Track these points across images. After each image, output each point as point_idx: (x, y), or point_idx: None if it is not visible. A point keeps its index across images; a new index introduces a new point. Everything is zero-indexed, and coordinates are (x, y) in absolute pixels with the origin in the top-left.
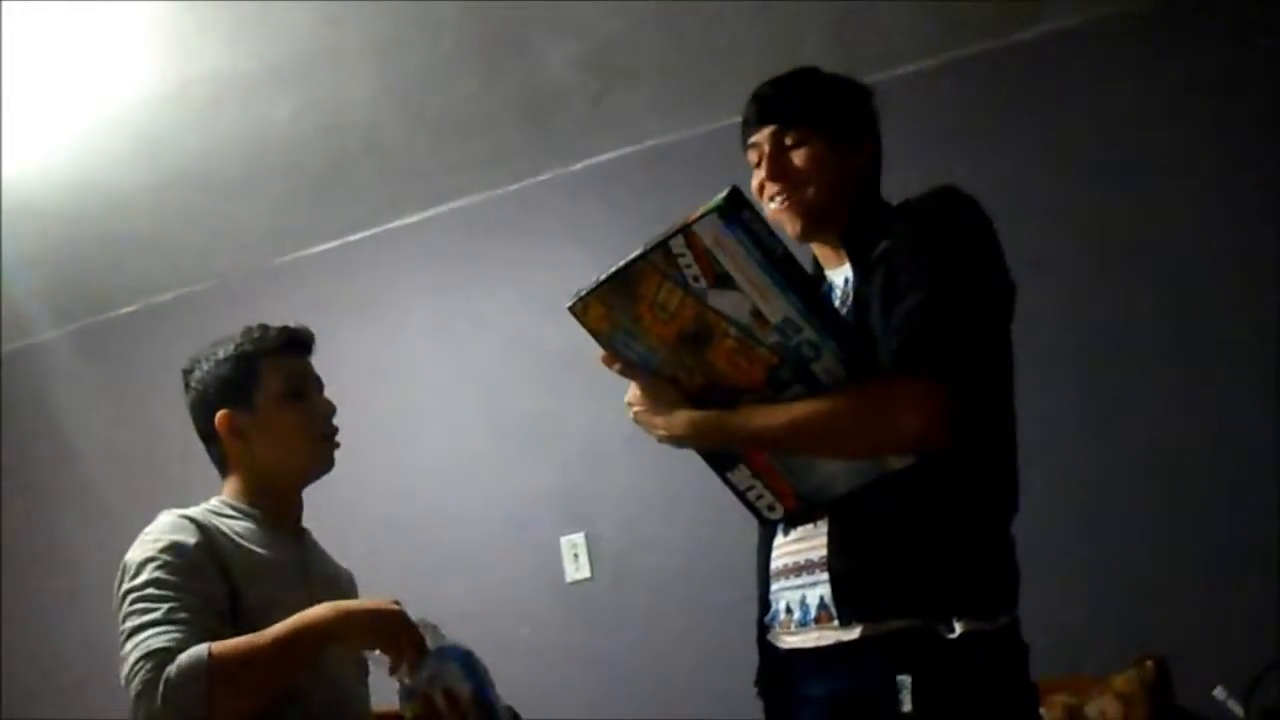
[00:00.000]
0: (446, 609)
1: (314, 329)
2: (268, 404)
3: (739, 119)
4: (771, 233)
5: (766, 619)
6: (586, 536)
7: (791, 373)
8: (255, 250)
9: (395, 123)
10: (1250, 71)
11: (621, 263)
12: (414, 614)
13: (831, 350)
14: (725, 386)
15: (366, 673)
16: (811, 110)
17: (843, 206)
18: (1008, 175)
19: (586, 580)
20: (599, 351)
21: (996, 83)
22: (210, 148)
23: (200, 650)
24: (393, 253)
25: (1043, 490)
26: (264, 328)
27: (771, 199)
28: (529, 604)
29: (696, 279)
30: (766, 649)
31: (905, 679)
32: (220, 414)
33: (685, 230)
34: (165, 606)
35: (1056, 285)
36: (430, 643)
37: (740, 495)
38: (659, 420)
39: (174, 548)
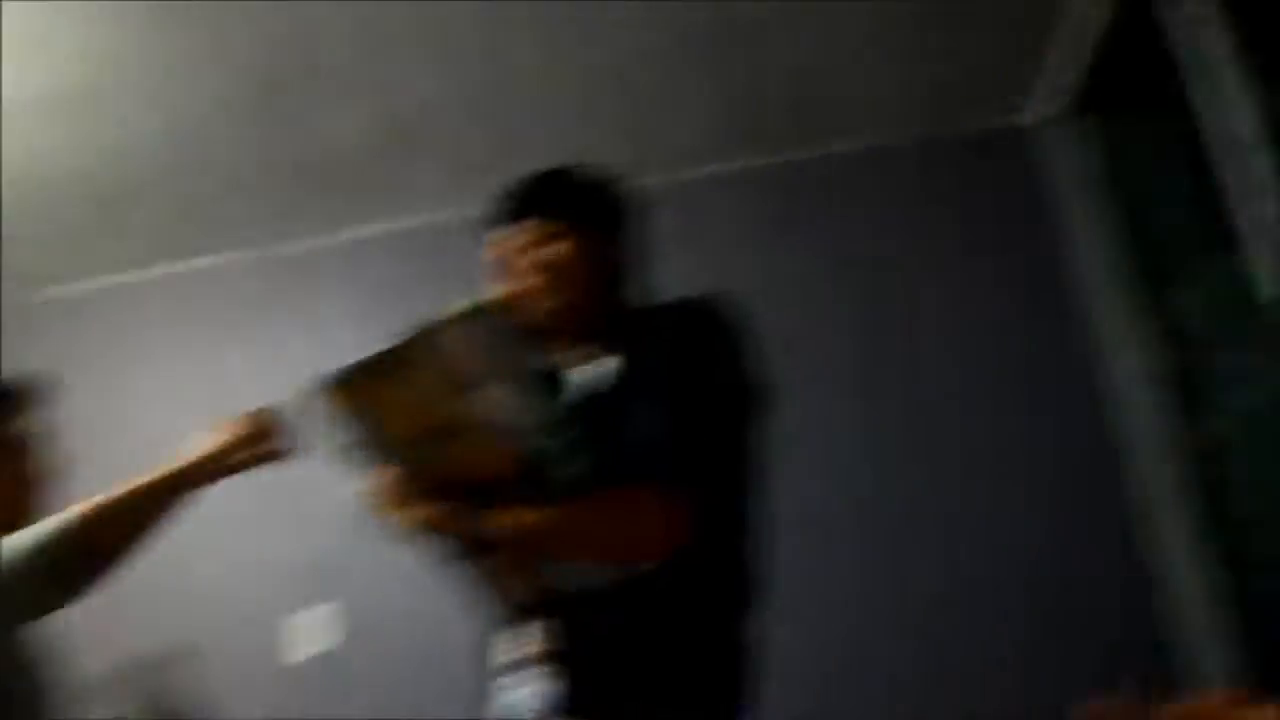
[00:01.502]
0: (193, 675)
1: (67, 372)
2: None
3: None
4: (521, 340)
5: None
6: (336, 607)
7: (537, 473)
8: (24, 280)
9: (176, 166)
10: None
11: (372, 354)
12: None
13: (579, 456)
14: (469, 483)
15: None
16: (566, 204)
17: (597, 304)
18: (788, 278)
19: (330, 653)
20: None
21: (782, 193)
22: None
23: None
24: (143, 301)
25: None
26: None
27: (522, 287)
28: (263, 681)
29: (452, 377)
30: None
31: None
32: None
33: (440, 328)
34: None
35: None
36: (160, 681)
37: (480, 589)
38: (401, 513)
39: None
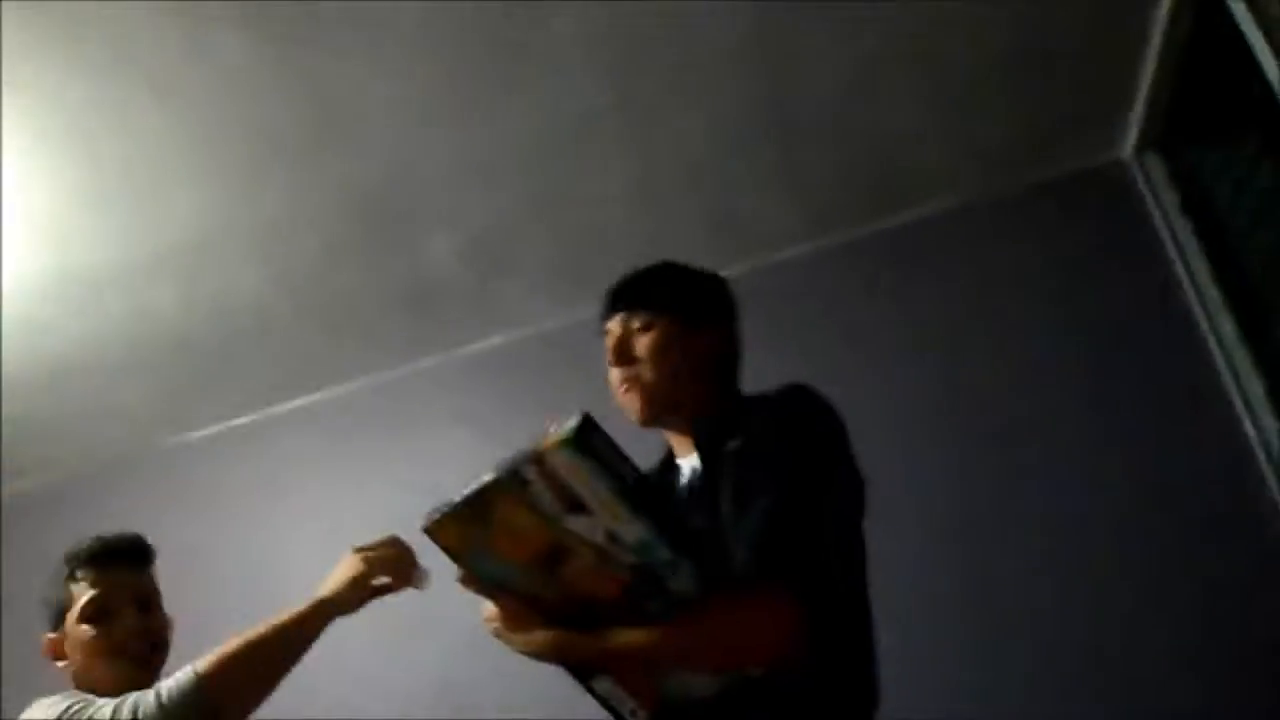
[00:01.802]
0: None
1: (193, 516)
2: (73, 626)
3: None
4: (623, 457)
5: None
6: None
7: (647, 588)
8: (141, 432)
9: (279, 311)
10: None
11: (475, 487)
12: None
13: (686, 568)
14: (582, 601)
15: None
16: (656, 296)
17: (689, 391)
18: (867, 360)
19: None
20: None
21: (859, 270)
22: (93, 332)
23: (186, 671)
24: (277, 438)
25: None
26: (82, 543)
27: (619, 384)
28: None
29: (551, 504)
30: None
31: None
32: (44, 640)
33: (537, 460)
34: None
35: (906, 462)
36: None
37: (603, 702)
38: (518, 638)
39: None
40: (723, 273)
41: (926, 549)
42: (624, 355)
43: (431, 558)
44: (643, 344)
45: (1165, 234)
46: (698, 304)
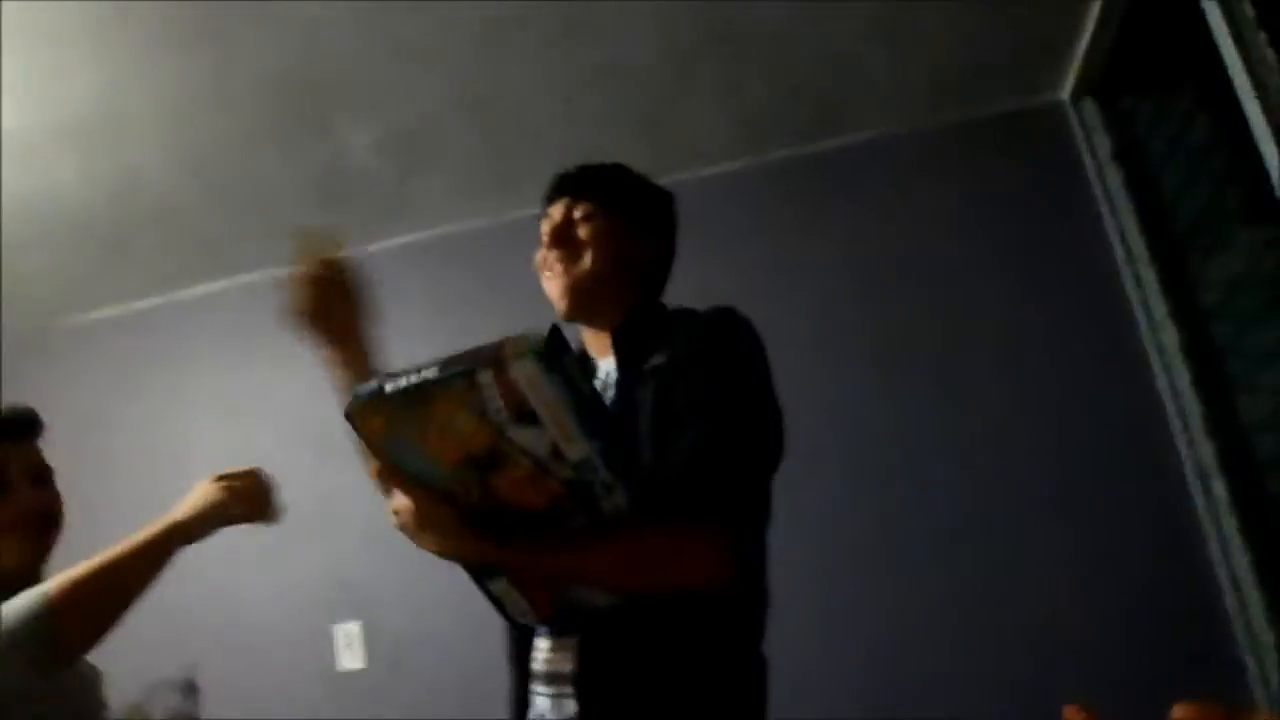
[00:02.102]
0: (216, 693)
1: (92, 397)
2: None
3: (539, 211)
4: (585, 373)
5: (530, 717)
6: (363, 625)
7: (577, 504)
8: (38, 309)
9: (186, 192)
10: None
11: (414, 379)
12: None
13: (622, 490)
14: (502, 507)
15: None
16: (606, 190)
17: (616, 294)
18: (817, 268)
19: (360, 670)
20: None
21: (797, 188)
22: None
23: (35, 592)
24: (178, 323)
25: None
26: None
27: (548, 267)
28: (300, 691)
29: (498, 411)
30: None
31: None
32: None
33: (497, 365)
34: None
35: (838, 387)
36: (182, 705)
37: (495, 601)
38: (428, 535)
39: None
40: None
41: (844, 475)
42: (562, 238)
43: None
44: (585, 231)
45: (1095, 180)
46: (646, 211)
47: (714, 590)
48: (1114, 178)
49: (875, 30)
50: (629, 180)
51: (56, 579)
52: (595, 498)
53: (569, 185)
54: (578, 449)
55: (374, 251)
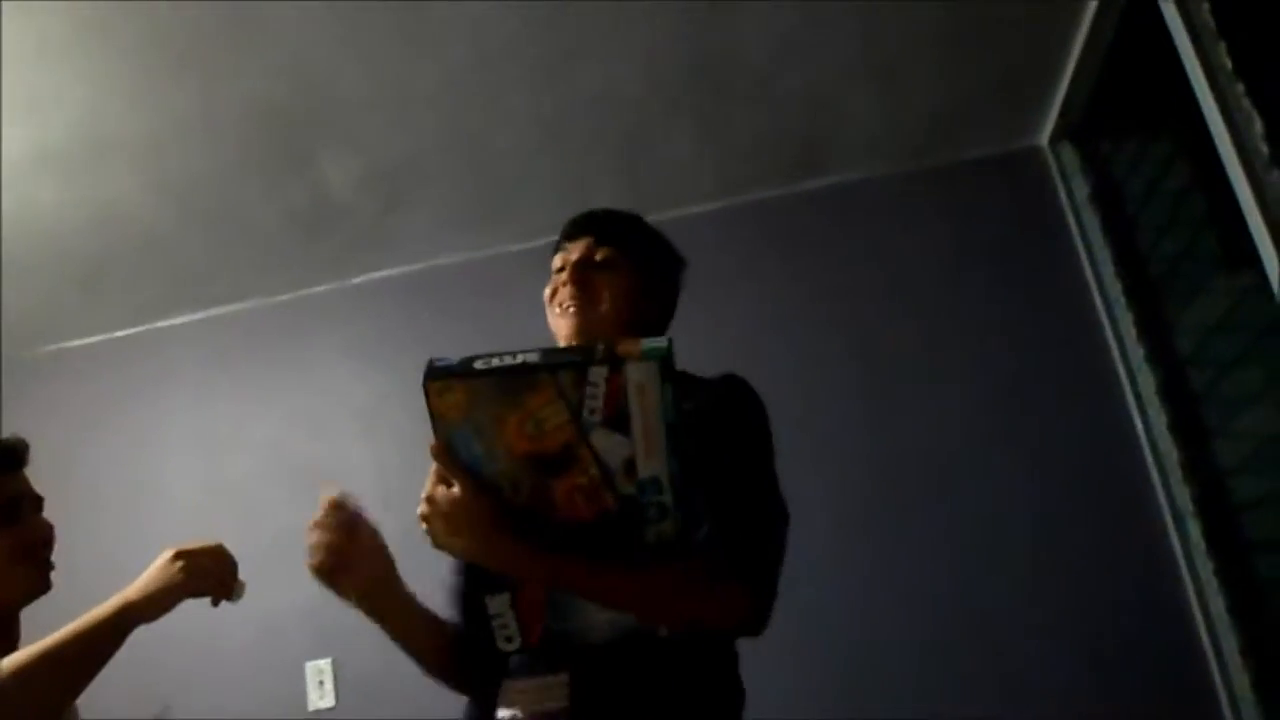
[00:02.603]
0: None
1: (68, 426)
2: None
3: (522, 246)
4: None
5: None
6: (333, 662)
7: (625, 523)
8: (13, 337)
9: (167, 222)
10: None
11: (516, 361)
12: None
13: (675, 520)
14: (544, 512)
15: None
16: (632, 242)
17: (615, 334)
18: (795, 308)
19: (329, 710)
20: (359, 471)
21: (779, 229)
22: None
23: None
24: (156, 353)
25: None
26: None
27: (560, 305)
28: None
29: (593, 411)
30: None
31: None
32: None
33: (614, 362)
34: None
35: (820, 426)
36: None
37: (484, 620)
38: (462, 531)
39: None
40: None
41: (828, 514)
42: (583, 277)
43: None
44: (606, 277)
45: (1073, 224)
46: (663, 272)
47: (738, 634)
48: (1091, 221)
49: (858, 74)
50: (652, 237)
51: (10, 657)
52: (644, 521)
53: (595, 226)
54: (654, 466)
55: (356, 284)
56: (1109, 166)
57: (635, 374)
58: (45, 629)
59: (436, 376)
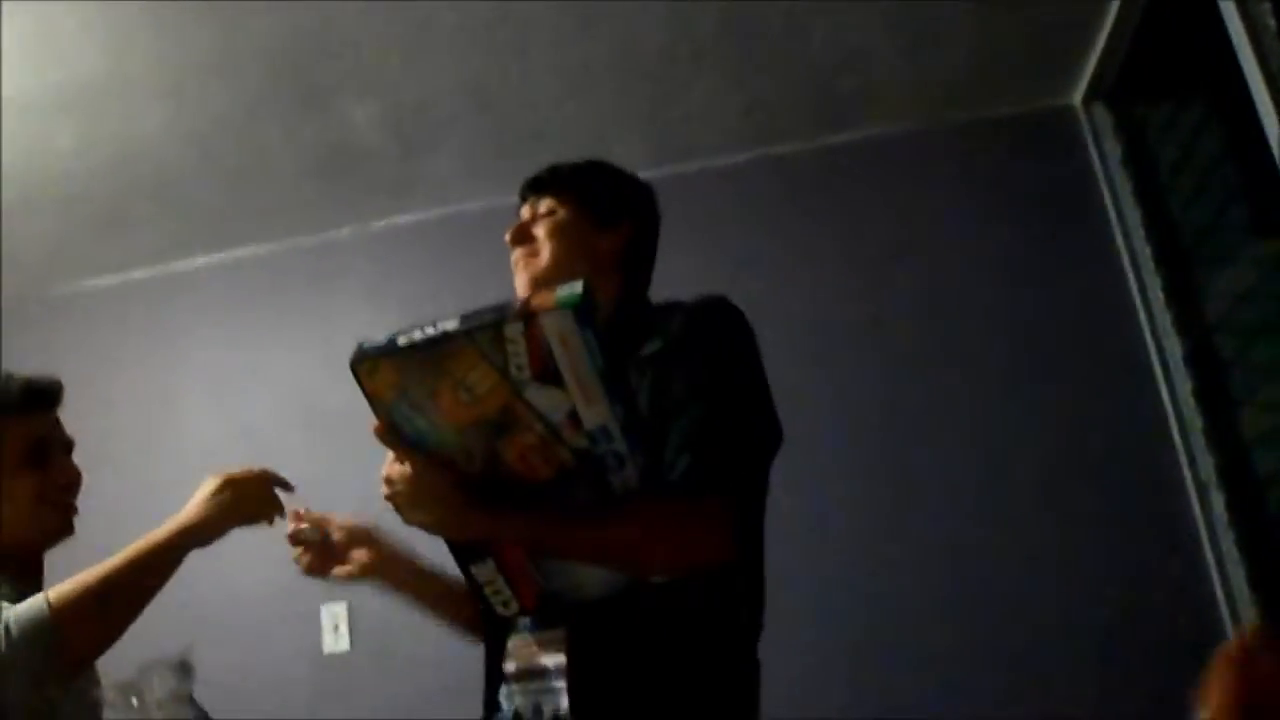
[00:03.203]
0: (202, 671)
1: (85, 367)
2: (3, 469)
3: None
4: (607, 338)
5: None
6: (349, 607)
7: (584, 476)
8: (31, 277)
9: (187, 163)
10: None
11: (434, 331)
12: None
13: (635, 464)
14: (504, 478)
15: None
16: (566, 185)
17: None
18: (804, 272)
19: (345, 653)
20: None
21: (803, 183)
22: None
23: (37, 601)
24: (175, 294)
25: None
26: (6, 380)
27: (514, 265)
28: (285, 672)
29: (520, 369)
30: None
31: None
32: None
33: (529, 318)
34: None
35: (836, 383)
36: (177, 684)
37: (477, 588)
38: (423, 506)
39: None
40: (655, 171)
41: (839, 469)
42: (520, 236)
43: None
44: (542, 227)
45: (1104, 187)
46: (608, 201)
47: (716, 570)
48: (1123, 184)
49: (889, 26)
50: (595, 173)
51: (59, 587)
52: (605, 470)
53: (533, 185)
54: (597, 414)
55: (377, 229)
56: (1142, 129)
57: (551, 325)
58: (61, 574)
59: (361, 359)
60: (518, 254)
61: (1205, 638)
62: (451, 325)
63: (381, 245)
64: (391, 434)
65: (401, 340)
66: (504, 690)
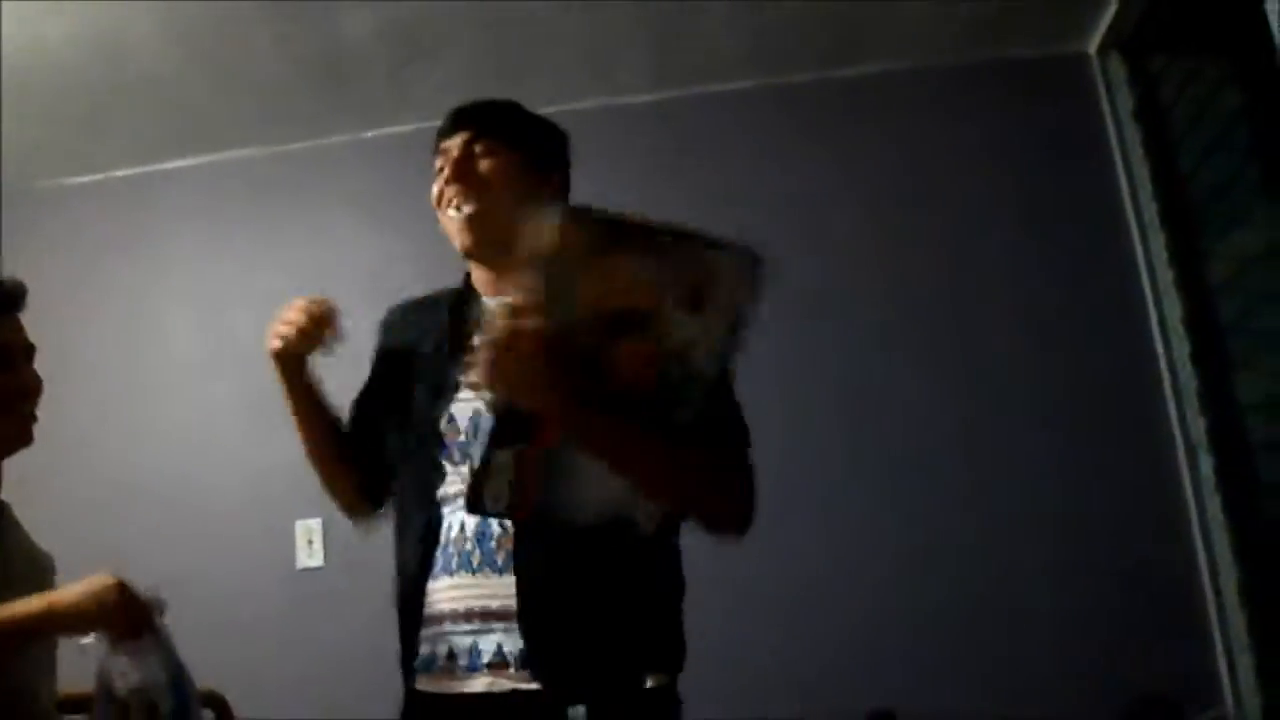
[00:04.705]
0: (173, 584)
1: (67, 264)
2: None
3: (542, 109)
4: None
5: (417, 664)
6: (323, 522)
7: (663, 400)
8: (12, 172)
9: (176, 61)
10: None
11: (631, 216)
12: (141, 582)
13: (696, 408)
14: (605, 371)
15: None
16: (508, 127)
17: (505, 226)
18: (806, 205)
19: (319, 568)
20: (362, 332)
21: (810, 114)
22: None
23: None
24: (157, 197)
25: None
26: None
27: (449, 205)
28: (258, 588)
29: (675, 285)
30: (414, 695)
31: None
32: None
33: (735, 255)
34: None
35: (835, 320)
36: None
37: (481, 470)
38: (525, 368)
39: None
40: (659, 94)
41: (839, 410)
42: (463, 173)
43: None
44: (487, 167)
45: (1114, 138)
46: (548, 148)
47: (732, 530)
48: (1133, 136)
49: None
50: (528, 118)
51: None
52: (675, 403)
53: (469, 120)
54: (705, 356)
55: (369, 139)
56: (1157, 83)
57: (743, 268)
58: (23, 485)
59: (568, 213)
60: (452, 191)
61: (1185, 600)
62: (663, 224)
63: (373, 156)
64: (533, 291)
65: (607, 213)
66: (432, 630)
